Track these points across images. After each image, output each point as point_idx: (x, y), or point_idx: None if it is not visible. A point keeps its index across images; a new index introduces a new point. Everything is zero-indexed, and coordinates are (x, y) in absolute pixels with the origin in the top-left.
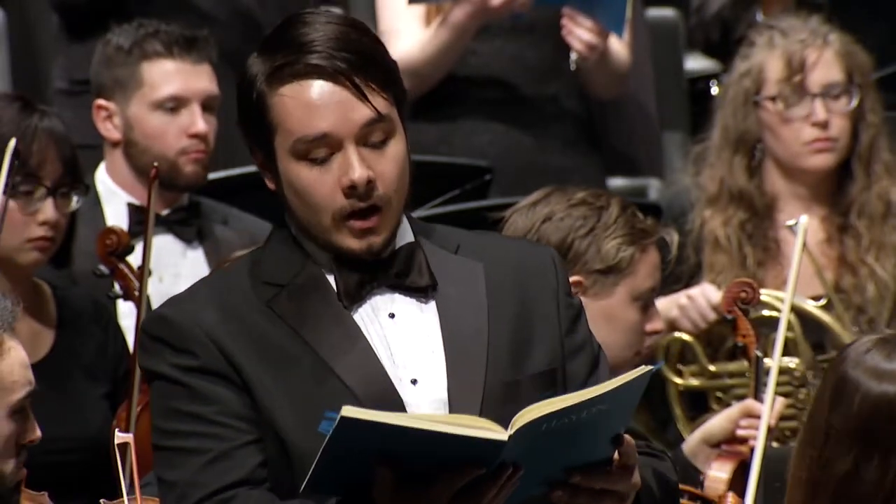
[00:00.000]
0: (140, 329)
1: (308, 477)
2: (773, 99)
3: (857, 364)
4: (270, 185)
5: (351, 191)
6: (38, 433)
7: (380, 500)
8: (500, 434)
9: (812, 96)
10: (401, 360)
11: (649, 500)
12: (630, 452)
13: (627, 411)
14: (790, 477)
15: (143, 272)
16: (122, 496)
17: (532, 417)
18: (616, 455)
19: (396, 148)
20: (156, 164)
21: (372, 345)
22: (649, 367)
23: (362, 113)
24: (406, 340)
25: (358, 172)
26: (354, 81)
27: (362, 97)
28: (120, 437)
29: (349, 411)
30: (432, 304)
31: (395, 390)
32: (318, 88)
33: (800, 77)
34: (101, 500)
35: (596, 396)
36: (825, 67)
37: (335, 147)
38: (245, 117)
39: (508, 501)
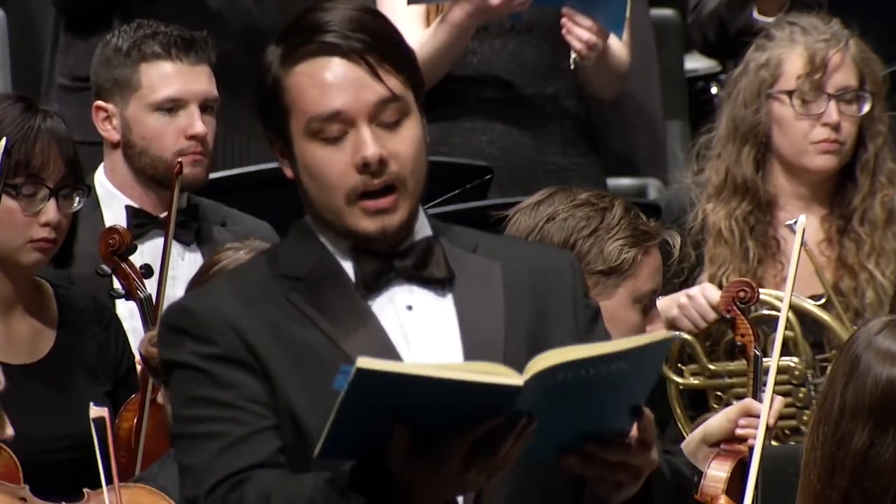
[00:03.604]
0: (160, 322)
1: (322, 441)
2: (789, 93)
3: (868, 346)
4: (288, 173)
5: (364, 168)
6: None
7: (394, 461)
8: (515, 379)
9: (827, 97)
10: (418, 352)
11: (660, 484)
12: (649, 427)
13: (647, 380)
14: (805, 458)
15: (164, 269)
16: (101, 478)
17: (548, 364)
18: (634, 429)
19: (411, 130)
20: (179, 160)
21: (389, 335)
22: (671, 333)
23: (376, 91)
24: (424, 332)
25: (371, 150)
26: (368, 60)
27: (376, 76)
28: (95, 410)
29: (365, 362)
30: (450, 298)
31: None
32: (332, 66)
33: (820, 76)
34: (84, 490)
35: (615, 352)
36: (843, 71)
37: (348, 125)
38: (263, 105)
39: (521, 461)
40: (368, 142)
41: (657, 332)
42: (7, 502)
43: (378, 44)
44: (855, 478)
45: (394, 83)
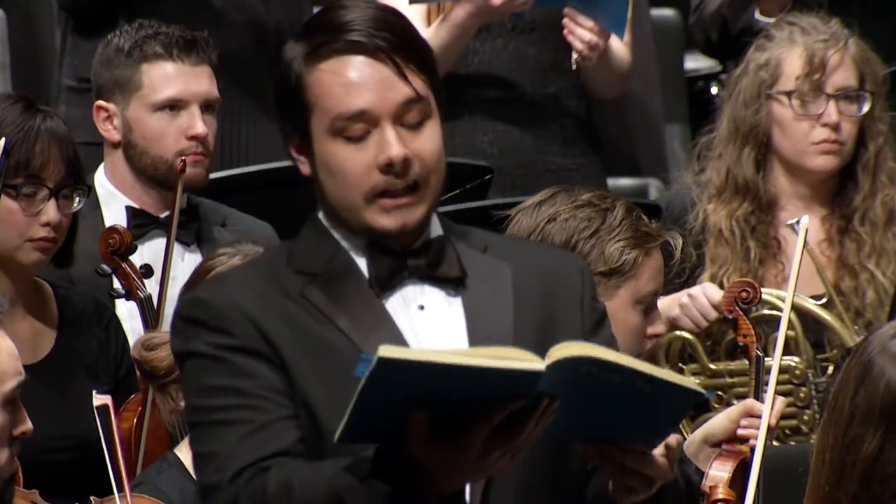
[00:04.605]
0: (175, 313)
1: (342, 425)
2: (788, 94)
3: (882, 350)
4: (304, 170)
5: (388, 168)
6: (30, 426)
7: (414, 446)
8: (537, 364)
9: (826, 97)
10: None
11: (674, 493)
12: (673, 448)
13: (672, 417)
14: (813, 460)
15: (166, 269)
16: (109, 474)
17: (572, 354)
18: (661, 447)
19: (433, 130)
20: (183, 158)
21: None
22: (703, 392)
23: (401, 91)
24: (433, 334)
25: (395, 150)
26: (394, 59)
27: (402, 76)
28: (98, 398)
29: (387, 351)
30: (459, 300)
31: None
32: (358, 65)
33: (819, 76)
34: (92, 498)
35: (638, 371)
36: (843, 71)
37: (372, 125)
38: (281, 101)
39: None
40: (393, 142)
41: (690, 380)
42: None
43: (403, 43)
44: (864, 482)
45: (419, 84)
